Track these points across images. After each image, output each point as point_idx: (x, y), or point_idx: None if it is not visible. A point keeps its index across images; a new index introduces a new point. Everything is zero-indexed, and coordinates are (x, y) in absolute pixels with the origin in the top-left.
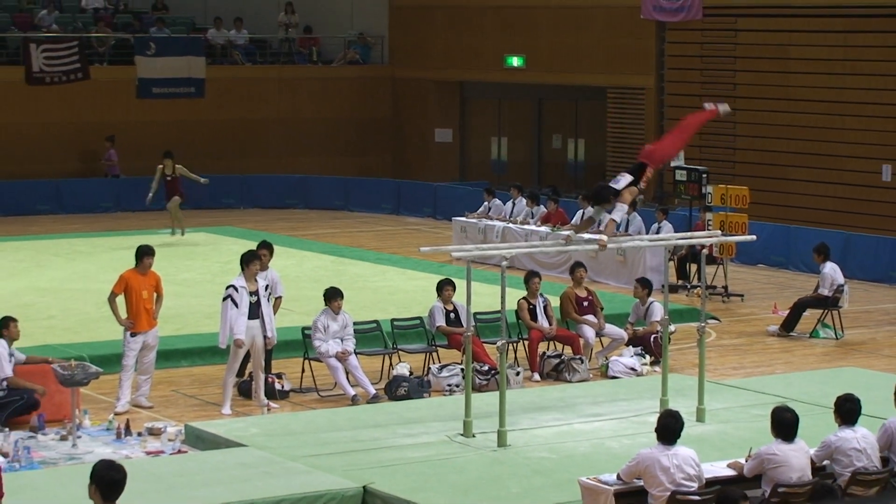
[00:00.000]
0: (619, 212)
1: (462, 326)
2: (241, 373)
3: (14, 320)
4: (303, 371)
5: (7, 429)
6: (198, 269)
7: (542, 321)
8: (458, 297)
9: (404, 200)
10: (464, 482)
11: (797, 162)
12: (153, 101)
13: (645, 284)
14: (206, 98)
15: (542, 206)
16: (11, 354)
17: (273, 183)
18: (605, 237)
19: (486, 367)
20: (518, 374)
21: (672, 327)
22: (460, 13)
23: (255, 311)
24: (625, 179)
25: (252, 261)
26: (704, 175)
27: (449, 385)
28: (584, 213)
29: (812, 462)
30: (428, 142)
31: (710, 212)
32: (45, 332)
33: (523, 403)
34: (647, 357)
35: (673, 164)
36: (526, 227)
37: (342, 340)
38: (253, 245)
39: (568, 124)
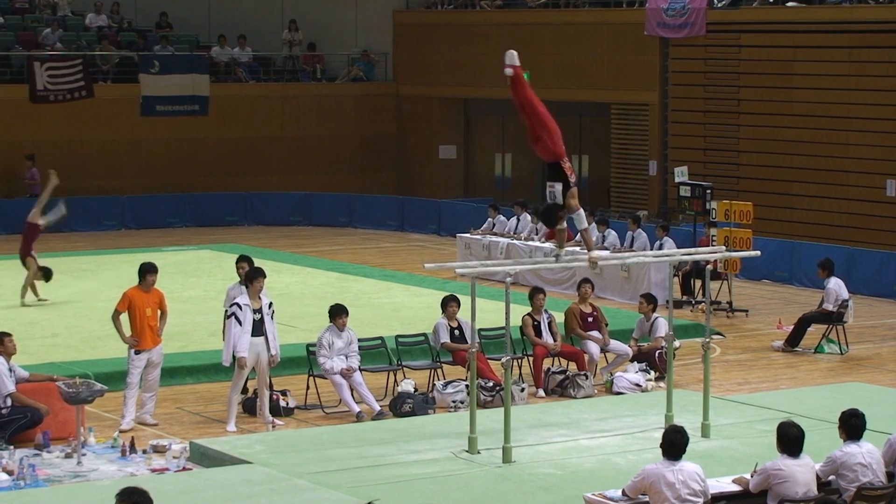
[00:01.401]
0: (581, 219)
1: (466, 343)
2: (244, 390)
3: (8, 335)
4: (307, 388)
5: (12, 447)
6: (202, 287)
7: (547, 337)
8: (463, 314)
9: (408, 217)
10: (469, 499)
11: (801, 177)
12: (157, 119)
13: (649, 300)
14: (209, 116)
15: None
16: (11, 370)
17: (277, 200)
18: (594, 254)
19: (490, 384)
20: (523, 390)
21: (677, 343)
22: (464, 30)
23: (258, 329)
24: (557, 188)
25: (256, 278)
26: (708, 191)
27: (454, 401)
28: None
29: (817, 477)
30: (432, 158)
31: (715, 227)
32: (49, 349)
33: (528, 419)
34: (652, 373)
35: (677, 179)
36: (530, 243)
37: (347, 357)
38: (258, 262)
39: (572, 140)
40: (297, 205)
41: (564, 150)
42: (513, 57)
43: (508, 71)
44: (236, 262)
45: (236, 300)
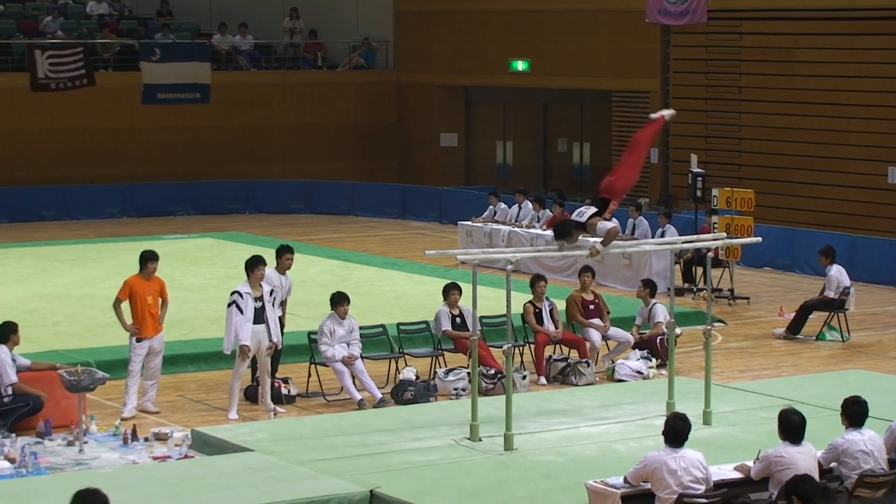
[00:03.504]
0: (602, 230)
1: (468, 330)
2: (252, 377)
3: (17, 326)
4: (309, 376)
5: (14, 434)
6: (203, 275)
7: (548, 325)
8: (464, 301)
9: (410, 205)
10: (470, 486)
11: (803, 165)
12: (158, 107)
13: (647, 285)
14: (211, 103)
15: (547, 210)
16: (14, 360)
17: (278, 188)
18: (598, 245)
19: (492, 371)
20: (524, 377)
21: (678, 330)
22: (465, 18)
23: (259, 317)
24: (589, 211)
25: (257, 266)
26: (700, 178)
27: (455, 389)
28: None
29: (819, 464)
30: (433, 146)
31: (716, 214)
32: (51, 337)
33: (530, 407)
34: (654, 360)
35: (691, 170)
36: (531, 230)
37: (348, 345)
38: (258, 250)
39: (573, 128)
40: (298, 193)
41: (617, 199)
42: (672, 115)
43: (655, 115)
44: (281, 252)
45: (237, 288)
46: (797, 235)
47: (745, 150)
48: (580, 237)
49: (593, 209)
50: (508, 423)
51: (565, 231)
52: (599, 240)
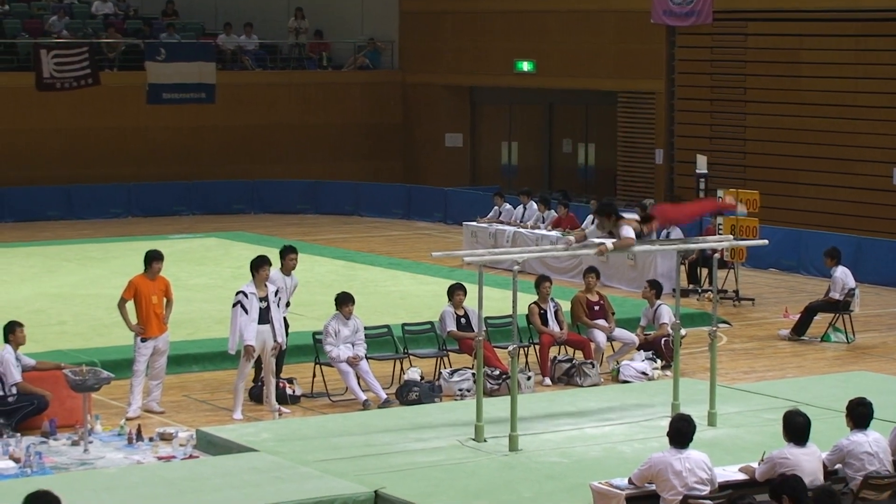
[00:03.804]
0: (624, 232)
1: (473, 331)
2: (256, 378)
3: (20, 325)
4: (314, 376)
5: (18, 434)
6: (209, 275)
7: (553, 326)
8: (469, 302)
9: (415, 205)
10: (475, 487)
11: (808, 166)
12: (163, 107)
13: (653, 286)
14: (216, 103)
15: (552, 211)
16: (18, 360)
17: (284, 188)
18: (608, 243)
19: (497, 372)
20: (529, 378)
21: (683, 331)
22: (470, 18)
23: (264, 317)
24: (632, 215)
25: (262, 266)
26: (704, 179)
27: (460, 390)
28: (594, 218)
29: (824, 466)
30: (438, 146)
31: (721, 216)
32: (56, 337)
33: (534, 408)
34: (659, 361)
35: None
36: (537, 231)
37: (353, 345)
38: (263, 250)
39: (578, 129)
40: (303, 193)
41: (659, 224)
42: (744, 210)
43: (732, 201)
44: (286, 252)
45: (242, 288)
46: (802, 237)
47: (750, 152)
48: (592, 238)
49: (636, 215)
50: (513, 424)
51: (608, 211)
52: (611, 241)
